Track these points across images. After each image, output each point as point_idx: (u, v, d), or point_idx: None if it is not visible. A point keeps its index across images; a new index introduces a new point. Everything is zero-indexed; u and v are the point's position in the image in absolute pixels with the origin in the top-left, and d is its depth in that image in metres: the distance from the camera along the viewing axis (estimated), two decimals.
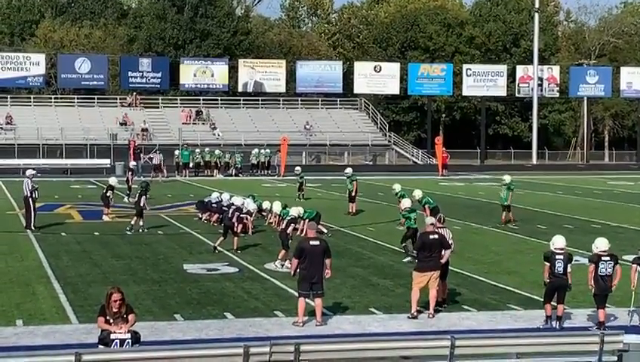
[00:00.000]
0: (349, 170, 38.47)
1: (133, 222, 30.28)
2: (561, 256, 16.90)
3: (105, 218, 33.68)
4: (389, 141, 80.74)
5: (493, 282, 21.66)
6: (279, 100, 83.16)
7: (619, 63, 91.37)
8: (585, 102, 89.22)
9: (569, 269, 16.85)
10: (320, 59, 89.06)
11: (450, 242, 18.34)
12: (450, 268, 20.82)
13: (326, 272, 17.27)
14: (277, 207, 30.13)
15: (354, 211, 36.44)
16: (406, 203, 26.26)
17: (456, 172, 65.34)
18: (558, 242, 17.07)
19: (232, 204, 27.80)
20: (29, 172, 32.31)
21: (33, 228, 30.59)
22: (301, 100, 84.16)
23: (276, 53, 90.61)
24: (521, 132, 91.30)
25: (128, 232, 29.77)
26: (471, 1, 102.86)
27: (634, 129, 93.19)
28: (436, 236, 18.09)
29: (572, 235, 27.37)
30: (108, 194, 34.13)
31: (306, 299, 17.17)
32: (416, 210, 26.85)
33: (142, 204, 30.24)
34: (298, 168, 45.65)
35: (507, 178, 33.31)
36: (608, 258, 16.91)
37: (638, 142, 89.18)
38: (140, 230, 29.88)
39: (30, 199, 31.06)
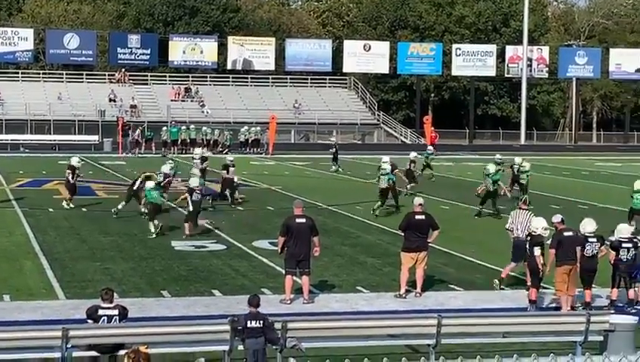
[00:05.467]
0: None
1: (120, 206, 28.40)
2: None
3: (64, 204, 30.44)
4: (378, 120, 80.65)
5: (480, 262, 21.75)
6: (268, 78, 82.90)
7: (608, 45, 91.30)
8: (574, 83, 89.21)
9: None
10: (309, 38, 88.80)
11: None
12: (437, 247, 20.91)
13: (315, 250, 17.31)
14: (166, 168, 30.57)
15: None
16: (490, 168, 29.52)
17: (445, 151, 65.37)
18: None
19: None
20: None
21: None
22: (290, 78, 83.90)
23: (265, 30, 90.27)
24: (509, 112, 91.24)
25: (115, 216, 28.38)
26: None
27: (622, 110, 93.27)
28: (423, 216, 18.11)
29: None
30: (71, 179, 30.58)
31: (294, 277, 17.20)
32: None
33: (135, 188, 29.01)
34: (430, 148, 46.57)
35: (491, 167, 30.12)
36: (594, 239, 16.99)
37: (625, 124, 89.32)
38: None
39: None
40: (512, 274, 19.08)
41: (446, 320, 12.64)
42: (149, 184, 26.41)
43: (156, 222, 24.89)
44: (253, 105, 76.47)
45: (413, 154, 38.69)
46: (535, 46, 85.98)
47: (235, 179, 32.42)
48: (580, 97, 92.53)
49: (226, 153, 55.77)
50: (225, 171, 31.79)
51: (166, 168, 30.39)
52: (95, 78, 79.42)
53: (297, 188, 37.16)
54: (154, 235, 24.41)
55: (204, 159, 34.09)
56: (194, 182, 25.84)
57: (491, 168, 29.98)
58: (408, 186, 34.88)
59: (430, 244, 18.27)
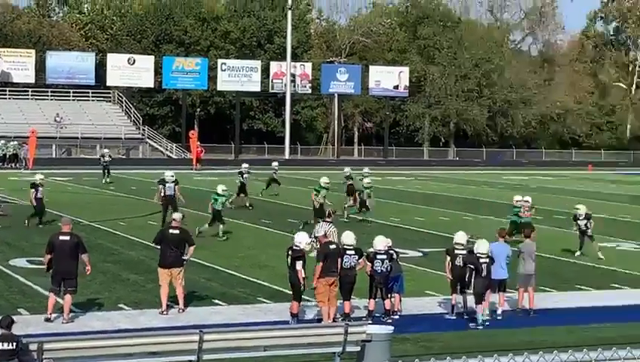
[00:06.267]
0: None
1: None
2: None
3: None
4: (143, 135, 79.82)
5: (244, 276, 21.84)
6: (28, 91, 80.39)
7: (368, 62, 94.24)
8: (336, 98, 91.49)
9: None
10: (72, 50, 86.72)
11: None
12: (201, 261, 20.84)
13: (86, 269, 17.03)
14: None
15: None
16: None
17: (211, 166, 65.42)
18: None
19: None
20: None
21: None
22: (51, 92, 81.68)
23: (25, 42, 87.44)
24: (274, 127, 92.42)
25: None
26: None
27: (381, 126, 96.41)
28: (177, 231, 18.00)
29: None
30: None
31: (57, 296, 16.74)
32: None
33: None
34: (275, 163, 45.02)
35: (324, 178, 31.43)
36: (352, 251, 17.35)
37: (385, 139, 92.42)
38: None
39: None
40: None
41: (208, 336, 12.56)
42: None
43: None
44: (11, 119, 73.85)
45: (347, 170, 38.78)
46: (298, 62, 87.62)
47: None
48: (342, 113, 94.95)
49: None
50: None
51: None
52: None
53: (58, 204, 36.08)
54: None
55: None
56: None
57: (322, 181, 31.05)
58: (349, 204, 34.67)
59: (194, 259, 18.19)
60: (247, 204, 36.73)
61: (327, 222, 20.45)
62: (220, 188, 28.59)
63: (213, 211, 27.86)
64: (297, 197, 40.35)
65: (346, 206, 34.09)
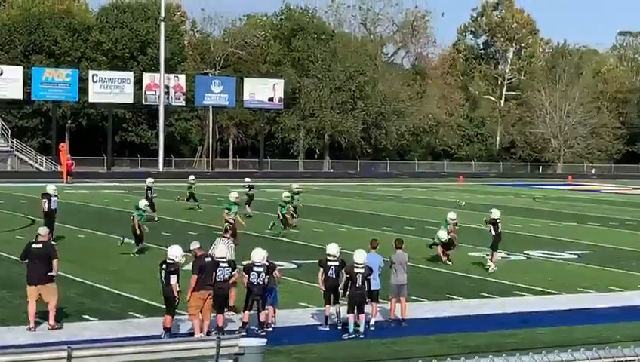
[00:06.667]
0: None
1: None
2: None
3: None
4: (12, 147, 77.92)
5: (115, 291, 21.47)
6: None
7: (242, 74, 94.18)
8: (210, 111, 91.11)
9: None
10: None
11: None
12: (72, 276, 20.40)
13: None
14: None
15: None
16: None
17: (83, 179, 64.29)
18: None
19: None
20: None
21: None
22: None
23: None
24: (148, 139, 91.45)
25: None
26: (97, 6, 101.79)
27: (256, 138, 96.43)
28: (40, 245, 17.62)
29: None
30: None
31: None
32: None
33: None
34: (192, 177, 44.50)
35: (286, 193, 33.94)
36: (226, 264, 17.28)
37: (260, 151, 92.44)
38: None
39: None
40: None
41: (76, 352, 12.28)
42: None
43: None
44: None
45: (295, 185, 39.14)
46: (172, 74, 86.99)
47: None
48: (216, 125, 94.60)
49: None
50: None
51: None
52: None
53: None
54: None
55: None
56: None
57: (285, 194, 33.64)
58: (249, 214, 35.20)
59: (64, 274, 17.79)
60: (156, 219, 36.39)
61: (226, 238, 20.27)
62: (141, 203, 28.56)
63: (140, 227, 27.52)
64: (171, 210, 40.00)
65: (246, 216, 34.65)
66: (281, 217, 33.36)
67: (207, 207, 42.42)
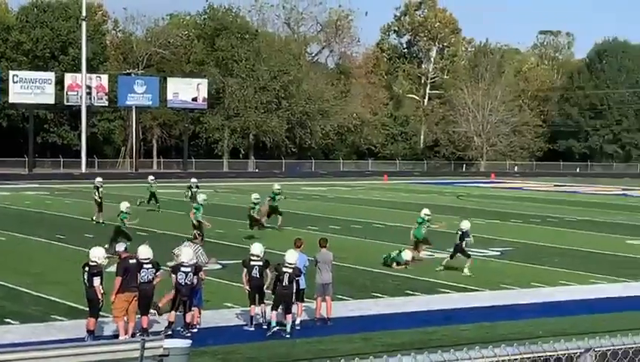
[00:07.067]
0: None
1: None
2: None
3: None
4: None
5: (36, 293, 21.17)
6: None
7: (166, 74, 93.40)
8: (134, 111, 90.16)
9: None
10: None
11: None
12: None
13: None
14: None
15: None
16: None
17: (3, 181, 63.24)
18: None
19: None
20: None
21: None
22: None
23: None
24: (70, 140, 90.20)
25: None
26: (17, 5, 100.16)
27: (180, 138, 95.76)
28: None
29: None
30: None
31: None
32: None
33: None
34: (152, 177, 44.67)
35: (255, 195, 34.25)
36: (150, 265, 17.15)
37: (184, 151, 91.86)
38: None
39: None
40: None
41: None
42: None
43: None
44: None
45: (276, 185, 38.89)
46: (94, 74, 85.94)
47: None
48: (140, 125, 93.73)
49: None
50: None
51: None
52: None
53: None
54: None
55: None
56: None
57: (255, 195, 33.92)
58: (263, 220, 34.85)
59: None
60: (101, 220, 35.99)
61: (194, 243, 20.04)
62: (123, 206, 28.67)
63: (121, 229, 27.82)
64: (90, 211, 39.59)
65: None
66: (253, 217, 33.43)
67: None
